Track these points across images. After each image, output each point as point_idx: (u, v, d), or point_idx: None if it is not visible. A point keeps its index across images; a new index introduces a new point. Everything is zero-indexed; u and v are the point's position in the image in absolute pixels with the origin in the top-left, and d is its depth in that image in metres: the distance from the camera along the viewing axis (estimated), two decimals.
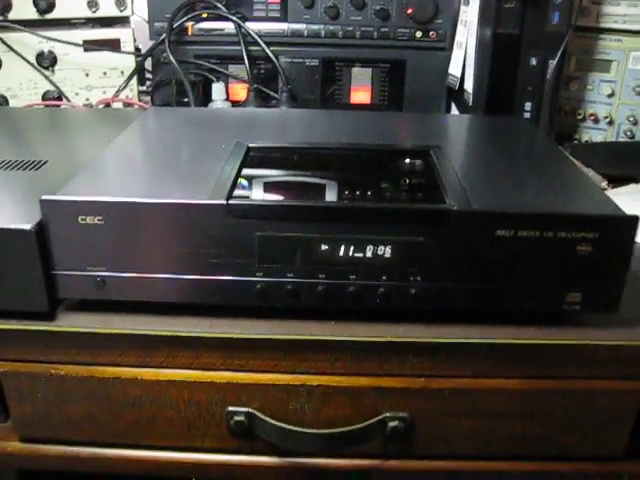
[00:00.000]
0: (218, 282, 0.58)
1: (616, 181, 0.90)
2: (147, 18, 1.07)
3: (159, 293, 0.59)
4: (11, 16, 1.02)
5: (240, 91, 1.06)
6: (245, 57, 1.03)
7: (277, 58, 1.04)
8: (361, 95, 1.08)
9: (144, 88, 1.15)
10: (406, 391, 0.62)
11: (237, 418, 0.62)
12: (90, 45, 1.07)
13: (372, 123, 0.84)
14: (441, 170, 0.64)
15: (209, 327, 0.60)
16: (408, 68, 1.06)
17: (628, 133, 1.03)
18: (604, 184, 0.89)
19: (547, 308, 0.59)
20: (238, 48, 1.03)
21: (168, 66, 1.03)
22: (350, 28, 1.04)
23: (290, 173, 0.68)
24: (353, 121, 0.85)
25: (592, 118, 1.05)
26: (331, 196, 0.62)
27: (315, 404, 0.62)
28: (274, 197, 0.62)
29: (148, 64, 1.11)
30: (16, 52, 1.04)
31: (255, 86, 1.04)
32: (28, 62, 1.05)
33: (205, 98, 1.05)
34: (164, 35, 1.02)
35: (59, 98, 1.07)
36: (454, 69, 1.04)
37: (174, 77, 1.03)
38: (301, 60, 1.06)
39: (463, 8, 1.03)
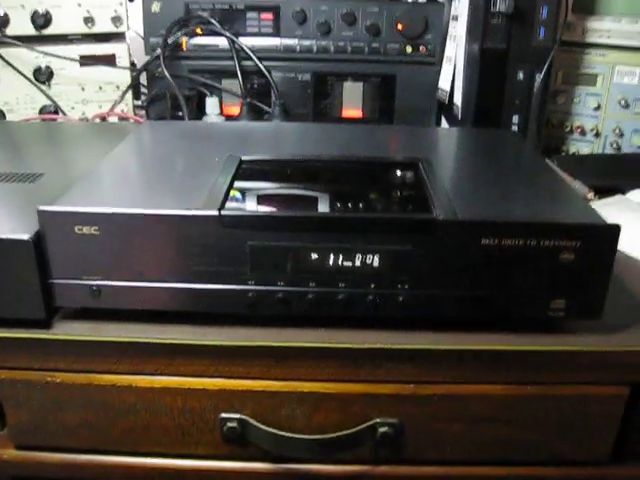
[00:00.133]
0: (211, 290, 0.59)
1: (602, 192, 0.91)
2: (142, 34, 1.08)
3: (153, 301, 0.60)
4: (9, 32, 1.03)
5: (233, 105, 1.08)
6: (238, 72, 1.05)
7: (270, 73, 1.05)
8: (352, 109, 1.10)
9: (139, 102, 1.16)
10: (396, 397, 0.63)
11: (230, 424, 0.63)
12: (86, 60, 1.08)
13: (363, 136, 0.86)
14: (429, 181, 0.66)
15: (202, 335, 0.61)
16: (399, 82, 1.08)
17: (614, 145, 1.05)
18: (591, 195, 0.91)
19: (532, 315, 0.60)
20: (231, 63, 1.05)
21: (163, 81, 1.04)
22: (341, 43, 1.06)
23: (282, 185, 0.69)
24: (344, 134, 0.86)
25: (579, 130, 1.07)
26: (323, 207, 0.63)
27: (306, 410, 0.63)
28: (267, 209, 0.63)
29: (143, 79, 1.13)
30: (13, 67, 1.05)
31: (248, 100, 1.06)
32: (25, 77, 1.06)
33: (199, 112, 1.07)
34: (159, 50, 1.04)
35: (56, 112, 1.08)
36: (444, 83, 1.06)
37: (169, 91, 1.04)
38: (293, 75, 1.07)
39: (452, 23, 1.05)
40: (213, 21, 1.05)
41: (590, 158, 1.05)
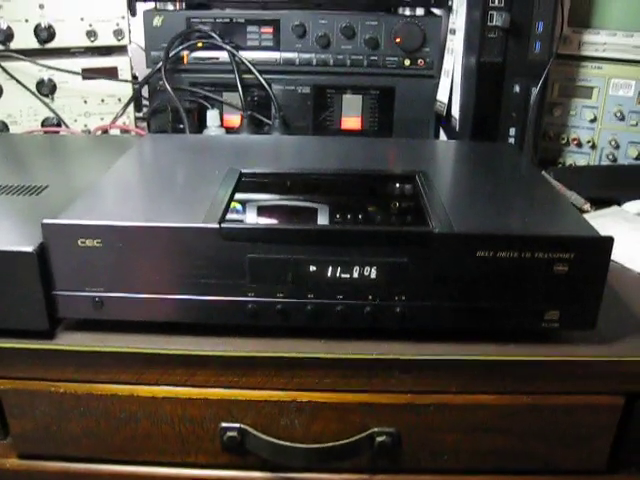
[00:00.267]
0: (211, 302, 0.60)
1: (599, 203, 0.92)
2: (144, 47, 1.10)
3: (154, 313, 0.61)
4: (13, 45, 1.05)
5: (234, 118, 1.09)
6: (239, 85, 1.06)
7: (270, 86, 1.07)
8: (352, 121, 1.11)
9: (141, 115, 1.18)
10: (393, 407, 0.64)
11: (230, 434, 0.64)
12: (88, 73, 1.10)
13: (362, 149, 0.87)
14: (425, 194, 0.67)
15: (203, 345, 0.62)
16: (397, 95, 1.09)
17: (610, 157, 1.06)
18: (587, 206, 0.92)
19: (527, 326, 0.61)
20: (232, 76, 1.06)
21: (164, 93, 1.05)
22: (341, 57, 1.08)
23: (282, 198, 0.71)
24: (344, 147, 0.87)
25: (575, 142, 1.08)
26: (322, 220, 0.64)
27: (305, 420, 0.64)
28: (267, 221, 0.65)
29: (145, 91, 1.14)
30: (17, 80, 1.07)
31: (249, 113, 1.07)
32: (28, 90, 1.07)
33: (200, 124, 1.08)
34: (160, 63, 1.05)
35: (58, 125, 1.10)
36: (442, 96, 1.08)
37: (170, 104, 1.05)
38: (293, 88, 1.09)
39: (450, 37, 1.06)
40: (214, 35, 1.06)
41: (586, 170, 1.06)
